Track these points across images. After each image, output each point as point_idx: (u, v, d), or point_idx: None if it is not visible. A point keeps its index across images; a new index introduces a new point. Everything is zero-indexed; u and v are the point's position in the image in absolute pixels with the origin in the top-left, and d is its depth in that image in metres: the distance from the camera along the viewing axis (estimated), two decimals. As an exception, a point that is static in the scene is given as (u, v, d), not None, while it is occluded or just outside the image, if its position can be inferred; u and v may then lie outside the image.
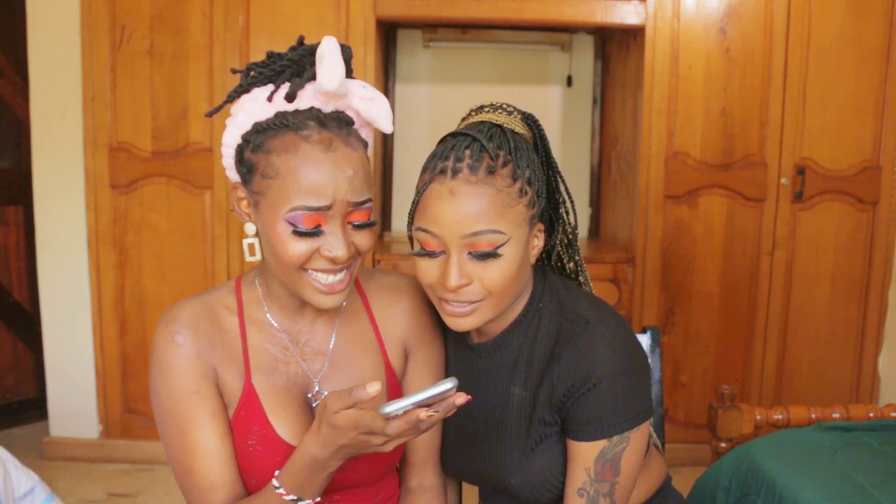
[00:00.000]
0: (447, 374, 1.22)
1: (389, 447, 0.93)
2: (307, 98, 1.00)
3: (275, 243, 0.99)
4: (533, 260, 1.12)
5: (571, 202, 1.21)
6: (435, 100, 3.23)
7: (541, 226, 1.12)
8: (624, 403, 1.06)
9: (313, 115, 0.99)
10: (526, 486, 1.11)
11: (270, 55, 1.01)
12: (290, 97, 0.98)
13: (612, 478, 1.07)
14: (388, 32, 3.11)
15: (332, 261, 0.99)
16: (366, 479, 1.12)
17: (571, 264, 1.25)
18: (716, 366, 2.85)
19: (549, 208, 1.18)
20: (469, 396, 0.92)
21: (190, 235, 2.73)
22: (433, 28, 3.07)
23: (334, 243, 0.98)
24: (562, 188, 1.19)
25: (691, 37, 2.67)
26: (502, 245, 1.03)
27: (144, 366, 2.78)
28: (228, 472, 1.04)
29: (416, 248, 1.08)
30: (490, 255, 1.03)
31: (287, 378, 1.09)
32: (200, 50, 2.64)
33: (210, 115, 1.06)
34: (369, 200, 1.01)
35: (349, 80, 1.01)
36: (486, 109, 1.14)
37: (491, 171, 1.03)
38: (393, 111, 3.18)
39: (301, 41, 1.02)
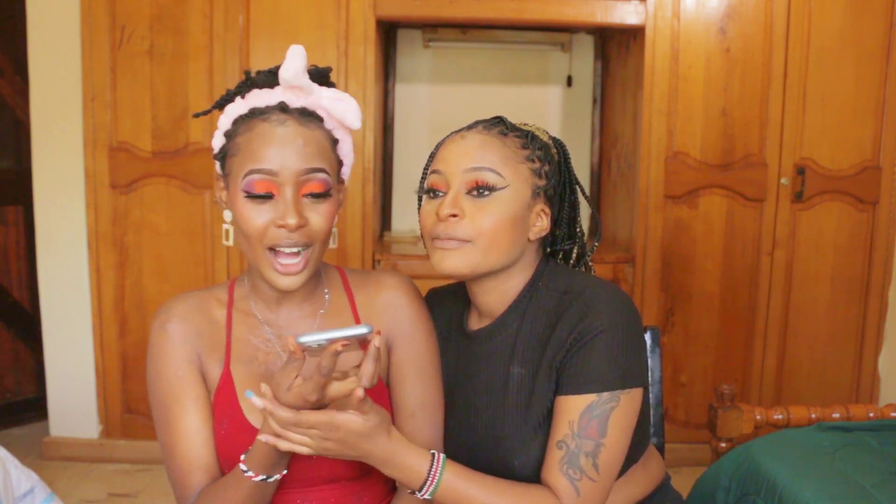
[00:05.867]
0: (442, 368, 1.22)
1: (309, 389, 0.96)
2: (277, 95, 1.09)
3: (237, 217, 1.08)
4: (533, 237, 1.16)
5: (599, 227, 1.41)
6: (435, 100, 3.23)
7: (546, 209, 1.17)
8: (618, 359, 1.06)
9: (279, 105, 1.08)
10: (529, 467, 1.10)
11: (258, 72, 1.14)
12: (252, 84, 1.11)
13: (597, 437, 1.04)
14: (388, 32, 3.11)
15: (285, 227, 1.04)
16: (337, 474, 1.12)
17: None
18: (716, 366, 2.85)
19: (569, 223, 1.24)
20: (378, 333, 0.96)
21: (190, 235, 2.73)
22: (433, 28, 3.07)
23: (284, 210, 1.04)
24: (579, 211, 1.24)
25: (691, 37, 2.67)
26: (500, 189, 1.10)
27: (144, 366, 2.77)
28: (208, 455, 1.09)
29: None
30: (486, 193, 1.10)
31: (266, 369, 1.13)
32: (200, 50, 2.64)
33: (197, 116, 1.19)
34: (322, 171, 1.07)
35: (323, 87, 1.11)
36: (520, 125, 1.21)
37: (503, 133, 1.14)
38: (393, 111, 3.21)
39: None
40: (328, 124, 1.11)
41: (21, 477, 1.60)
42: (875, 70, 2.72)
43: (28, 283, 3.19)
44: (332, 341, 0.92)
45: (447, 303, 1.29)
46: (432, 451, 1.05)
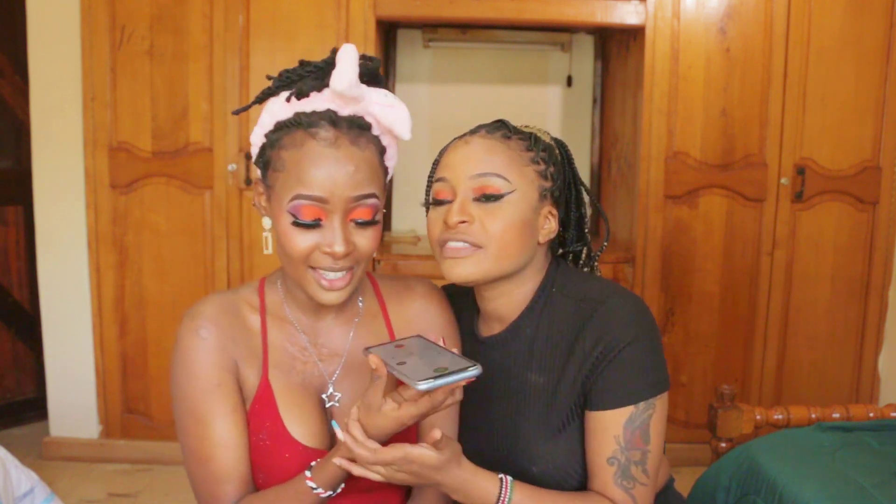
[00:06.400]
0: None
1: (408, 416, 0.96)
2: (325, 100, 1.03)
3: (280, 235, 1.04)
4: (543, 240, 1.15)
5: (607, 227, 1.33)
6: (435, 100, 3.23)
7: (553, 210, 1.16)
8: (648, 367, 1.08)
9: (327, 115, 1.02)
10: (548, 474, 1.11)
11: (302, 63, 1.07)
12: (300, 94, 1.03)
13: (643, 446, 1.07)
14: (388, 32, 3.11)
15: (331, 255, 1.02)
16: (359, 485, 1.11)
17: None
18: (716, 366, 2.85)
19: (576, 227, 1.24)
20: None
21: (190, 235, 2.73)
22: (433, 28, 3.07)
23: (333, 237, 1.01)
24: (586, 211, 1.25)
25: (691, 37, 2.67)
26: (507, 194, 1.09)
27: (144, 366, 2.78)
28: (243, 465, 1.07)
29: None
30: (494, 198, 1.09)
31: (303, 377, 1.12)
32: (200, 50, 2.64)
33: (237, 113, 1.14)
34: (372, 196, 1.03)
35: (372, 89, 1.05)
36: (522, 126, 1.20)
37: (506, 137, 1.14)
38: (393, 111, 3.19)
39: (334, 52, 1.06)
40: (376, 130, 1.07)
41: (21, 477, 1.60)
42: (875, 70, 2.72)
43: (28, 283, 3.19)
44: (447, 385, 0.94)
45: (456, 308, 1.28)
46: (500, 476, 1.05)
